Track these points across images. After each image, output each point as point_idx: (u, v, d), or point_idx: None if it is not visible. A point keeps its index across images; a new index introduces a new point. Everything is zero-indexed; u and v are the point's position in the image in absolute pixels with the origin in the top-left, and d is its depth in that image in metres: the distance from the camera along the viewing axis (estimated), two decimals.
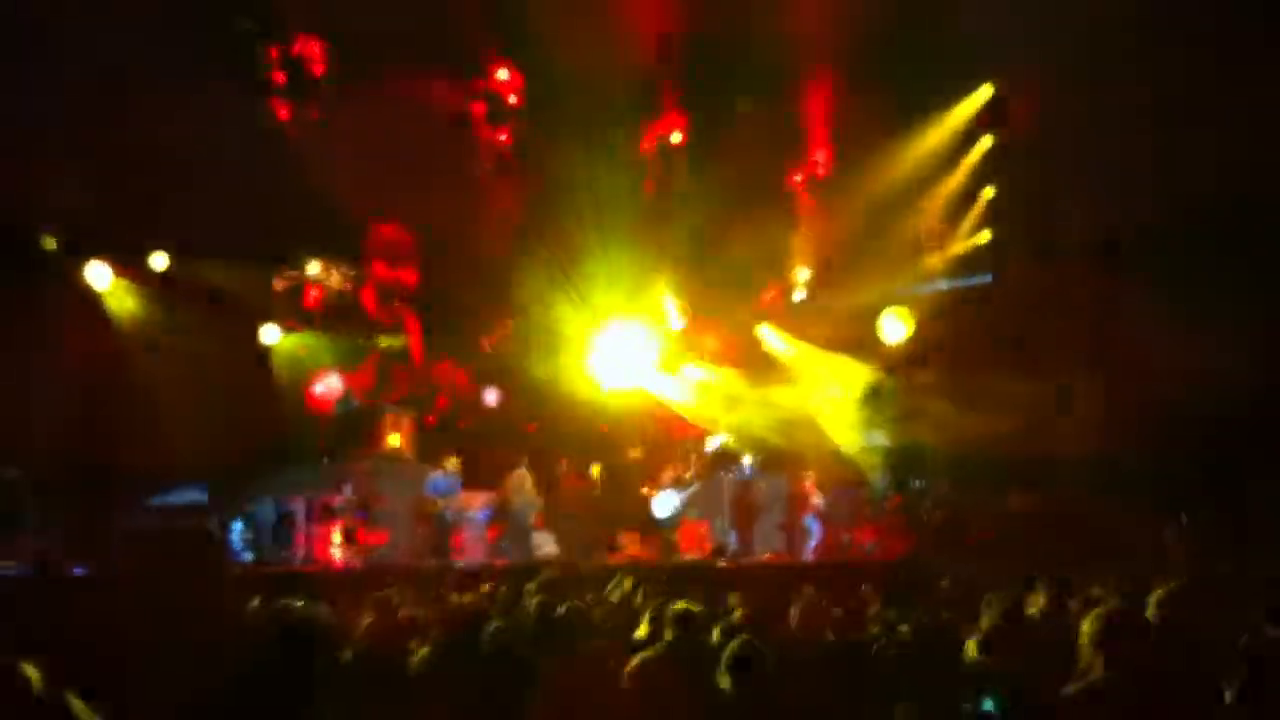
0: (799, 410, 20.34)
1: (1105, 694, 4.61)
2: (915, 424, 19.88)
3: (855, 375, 20.38)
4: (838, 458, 19.59)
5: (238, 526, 17.06)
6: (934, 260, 21.14)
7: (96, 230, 16.97)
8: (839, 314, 20.65)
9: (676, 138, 19.95)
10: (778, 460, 19.79)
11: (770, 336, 21.26)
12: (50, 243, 17.16)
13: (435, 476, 17.42)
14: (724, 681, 5.43)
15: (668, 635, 6.42)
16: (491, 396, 20.61)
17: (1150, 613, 5.78)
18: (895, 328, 20.26)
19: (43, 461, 15.91)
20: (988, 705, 5.08)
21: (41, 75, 15.72)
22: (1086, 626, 4.92)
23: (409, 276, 20.07)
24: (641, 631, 7.40)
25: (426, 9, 17.02)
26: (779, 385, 20.73)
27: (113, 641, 6.99)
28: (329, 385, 19.01)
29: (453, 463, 17.67)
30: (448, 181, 19.31)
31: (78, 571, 14.83)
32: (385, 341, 19.92)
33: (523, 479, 18.03)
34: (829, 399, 20.47)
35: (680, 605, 6.67)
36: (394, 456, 18.44)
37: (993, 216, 20.73)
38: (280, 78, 17.95)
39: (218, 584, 13.31)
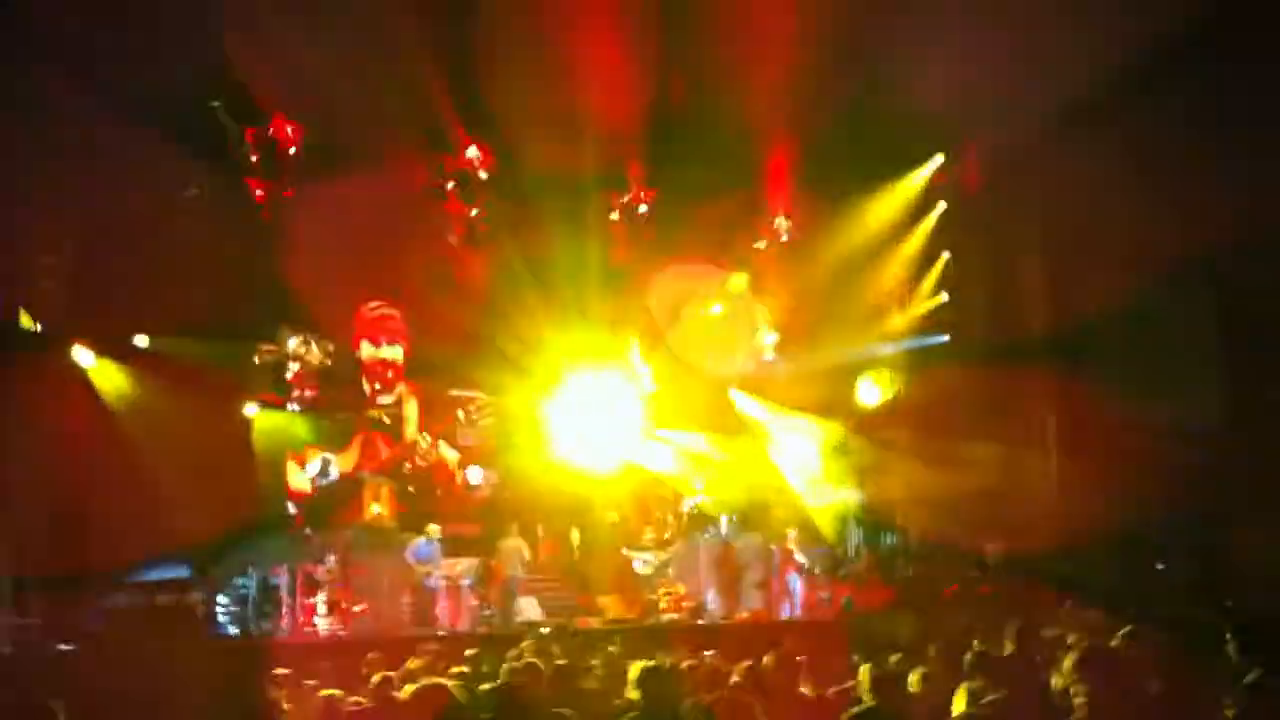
0: (772, 470, 20.76)
1: None
2: (884, 480, 20.35)
3: (824, 434, 20.80)
4: (812, 516, 19.94)
5: (222, 600, 17.10)
6: (895, 321, 21.73)
7: (78, 311, 17.10)
8: (806, 375, 21.11)
9: (643, 209, 20.40)
10: (754, 520, 20.14)
11: (740, 398, 21.67)
12: (29, 322, 17.27)
13: (418, 543, 17.60)
14: None
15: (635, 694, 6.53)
16: (475, 474, 20.87)
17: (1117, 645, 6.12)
18: (872, 390, 20.82)
19: (23, 540, 15.93)
20: None
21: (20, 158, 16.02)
22: (1067, 663, 5.26)
23: (400, 352, 20.43)
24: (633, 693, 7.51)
25: (397, 90, 17.50)
26: (751, 446, 21.14)
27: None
28: (306, 473, 19.21)
29: (434, 530, 17.87)
30: (420, 256, 19.75)
31: (61, 648, 14.85)
32: (374, 413, 20.09)
33: (516, 547, 18.26)
34: (799, 459, 20.86)
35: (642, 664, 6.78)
36: (376, 525, 18.57)
37: (950, 279, 21.33)
38: (255, 158, 18.27)
39: (201, 656, 13.53)
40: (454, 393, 21.15)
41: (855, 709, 6.17)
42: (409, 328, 20.51)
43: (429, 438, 20.49)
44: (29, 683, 11.46)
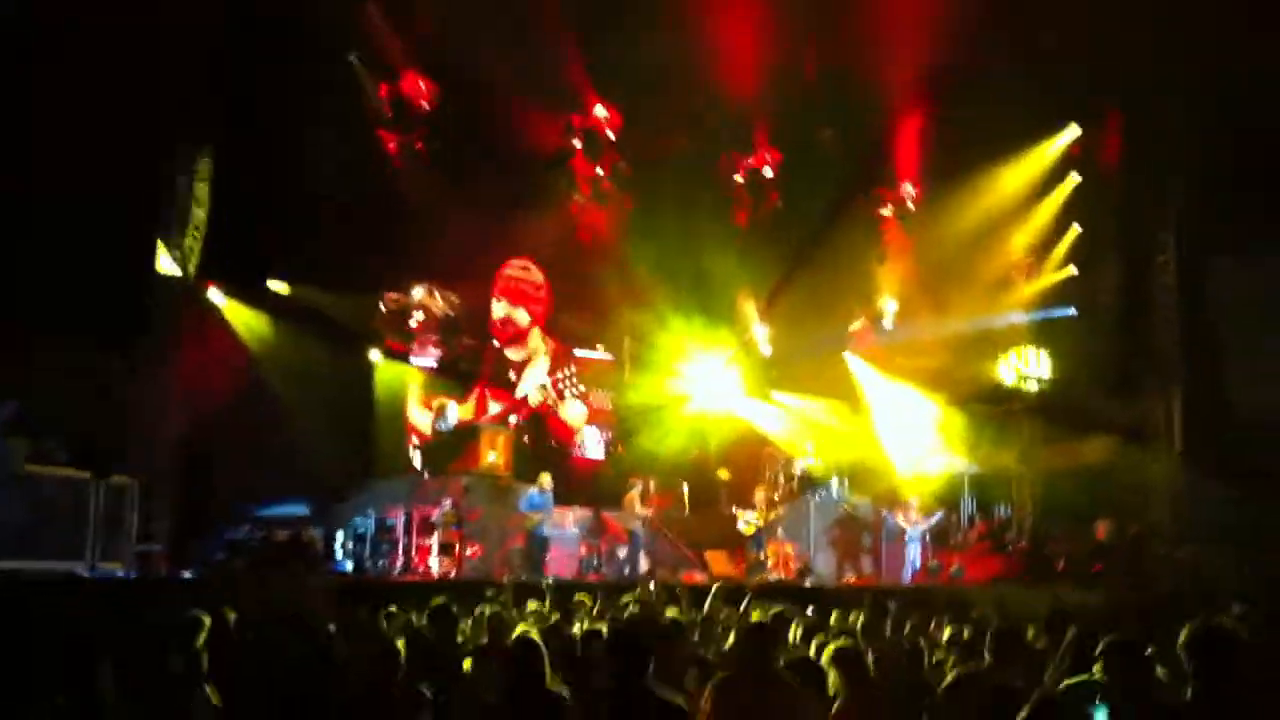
0: (885, 437, 20.65)
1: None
2: (1001, 451, 20.08)
3: (941, 404, 20.59)
4: (925, 484, 19.76)
5: (339, 537, 17.59)
6: (1021, 293, 21.37)
7: (215, 254, 17.64)
8: (926, 345, 20.90)
9: (768, 171, 20.38)
10: (866, 485, 20.06)
11: (857, 365, 21.55)
12: (171, 263, 17.86)
13: (530, 493, 17.88)
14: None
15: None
16: (593, 433, 21.26)
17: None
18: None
19: (153, 470, 16.52)
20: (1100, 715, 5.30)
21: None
22: (1184, 638, 5.14)
23: (525, 317, 20.89)
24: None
25: (528, 48, 17.72)
26: (866, 413, 21.04)
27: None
28: (427, 413, 19.70)
29: (545, 480, 18.12)
30: (549, 214, 20.04)
31: (184, 575, 15.39)
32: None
33: (636, 500, 18.50)
34: (914, 426, 20.68)
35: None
36: (490, 473, 18.88)
37: (1080, 253, 20.89)
38: (389, 112, 18.65)
39: (317, 592, 13.90)
40: (580, 353, 21.41)
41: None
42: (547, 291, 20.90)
43: (554, 393, 20.85)
44: (149, 608, 11.79)
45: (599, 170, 20.09)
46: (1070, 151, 20.70)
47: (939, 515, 18.18)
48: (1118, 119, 20.11)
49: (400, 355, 19.95)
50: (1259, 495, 16.44)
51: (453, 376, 20.41)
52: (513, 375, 21.28)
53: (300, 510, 17.90)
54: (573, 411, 21.50)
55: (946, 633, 8.44)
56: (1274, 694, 4.95)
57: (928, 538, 18.08)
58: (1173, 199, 20.08)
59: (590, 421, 21.79)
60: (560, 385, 21.75)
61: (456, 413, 19.70)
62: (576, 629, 8.28)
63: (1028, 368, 20.55)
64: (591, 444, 21.67)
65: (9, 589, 11.32)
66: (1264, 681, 4.95)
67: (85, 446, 15.36)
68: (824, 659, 5.84)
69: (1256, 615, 7.56)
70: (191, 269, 17.27)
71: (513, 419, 20.64)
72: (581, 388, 21.99)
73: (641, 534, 18.12)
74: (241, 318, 18.33)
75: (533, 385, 21.29)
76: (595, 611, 9.79)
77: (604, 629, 6.80)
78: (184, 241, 17.19)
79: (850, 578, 18.13)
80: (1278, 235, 17.60)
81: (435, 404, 19.68)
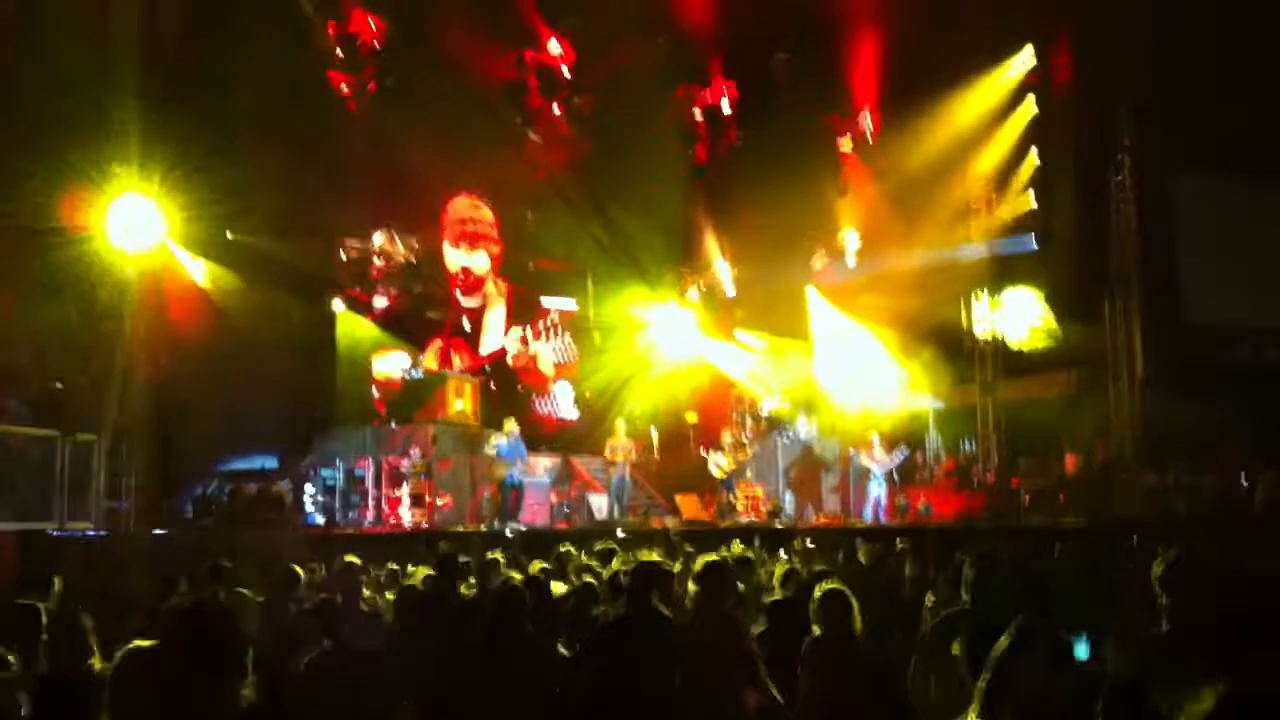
0: (851, 375, 20.71)
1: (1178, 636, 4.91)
2: (965, 387, 20.21)
3: (906, 340, 20.62)
4: (892, 421, 19.85)
5: (309, 489, 17.52)
6: (980, 225, 21.35)
7: (173, 209, 17.23)
8: (889, 281, 20.85)
9: (726, 107, 20.13)
10: (832, 424, 20.15)
11: (819, 303, 21.54)
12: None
13: (500, 441, 17.78)
14: None
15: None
16: (564, 386, 21.20)
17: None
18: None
19: (119, 427, 16.32)
20: (1080, 648, 5.39)
21: None
22: (1156, 570, 5.23)
23: (484, 260, 20.57)
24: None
25: None
26: (831, 350, 21.08)
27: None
28: (394, 362, 19.51)
29: (511, 425, 17.97)
30: (503, 151, 19.70)
31: (156, 533, 15.31)
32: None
33: (625, 446, 18.42)
34: (880, 364, 20.75)
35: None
36: (459, 421, 18.80)
37: (1040, 181, 20.84)
38: (338, 52, 18.21)
39: (291, 544, 13.86)
40: (545, 300, 21.23)
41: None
42: (498, 229, 20.57)
43: (521, 342, 20.70)
44: (121, 565, 11.79)
45: (554, 107, 19.77)
46: (1027, 77, 20.52)
47: (904, 452, 18.32)
48: (1069, 41, 19.93)
49: (363, 304, 19.72)
50: (1223, 416, 16.59)
51: (416, 326, 20.21)
52: (467, 324, 20.90)
53: (268, 463, 17.83)
54: (548, 363, 21.34)
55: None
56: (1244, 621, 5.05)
57: (894, 475, 18.21)
58: (1127, 121, 20.00)
59: (559, 376, 21.67)
60: (541, 335, 21.52)
61: (422, 362, 19.57)
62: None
63: (994, 313, 20.48)
64: (563, 399, 21.55)
65: None
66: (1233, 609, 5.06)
67: (50, 405, 15.22)
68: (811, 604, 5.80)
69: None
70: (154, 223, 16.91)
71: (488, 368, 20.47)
72: (567, 339, 21.75)
73: (621, 474, 18.08)
74: (204, 272, 18.04)
75: (509, 339, 21.01)
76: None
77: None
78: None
79: (818, 518, 18.24)
80: (1235, 154, 17.57)
81: (402, 352, 19.54)
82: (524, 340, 21.16)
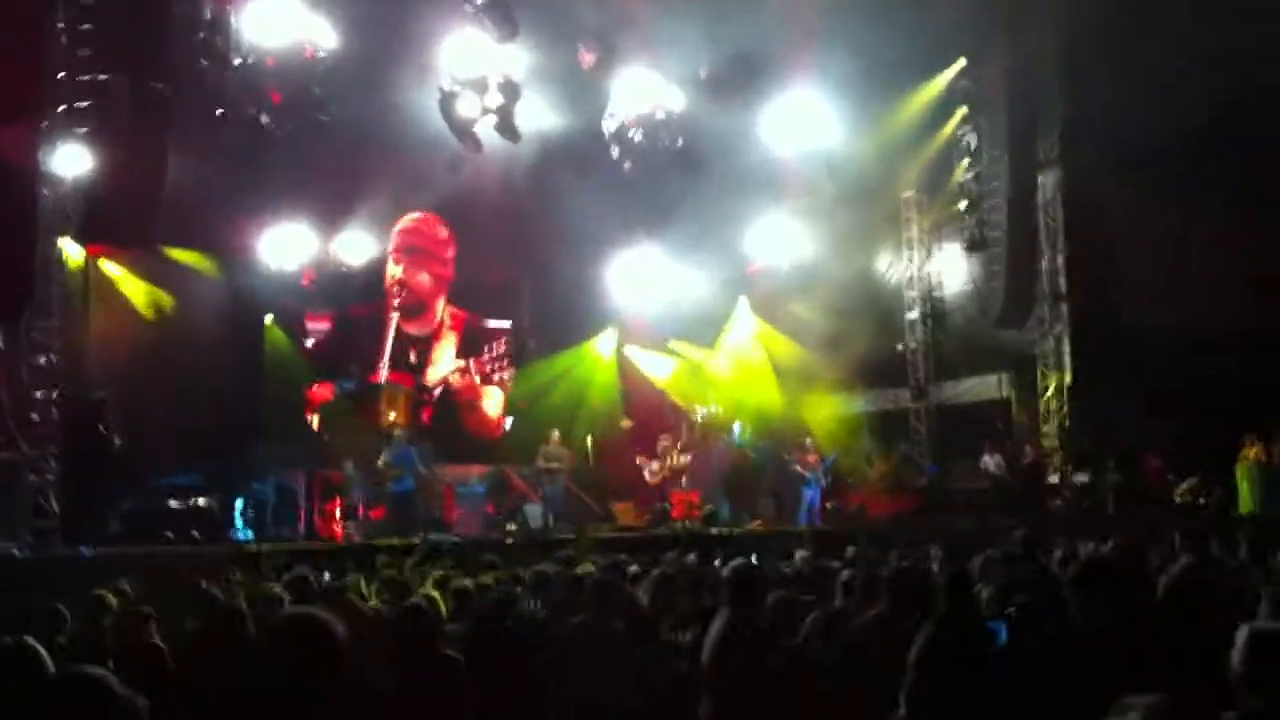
0: (783, 380, 20.81)
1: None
2: (896, 390, 20.39)
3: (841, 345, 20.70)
4: (822, 425, 19.96)
5: (239, 505, 17.26)
6: (913, 231, 21.55)
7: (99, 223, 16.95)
8: (824, 284, 20.92)
9: None
10: (765, 429, 20.22)
11: (746, 316, 21.63)
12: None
13: (393, 448, 17.52)
14: None
15: None
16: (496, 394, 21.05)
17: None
18: None
19: (41, 443, 16.04)
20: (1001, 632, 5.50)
21: None
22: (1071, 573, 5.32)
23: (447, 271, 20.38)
24: None
25: None
26: (763, 356, 21.17)
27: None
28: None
29: (398, 431, 17.86)
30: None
31: (82, 552, 15.01)
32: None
33: (562, 455, 18.44)
34: (812, 368, 20.81)
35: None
36: (391, 432, 18.60)
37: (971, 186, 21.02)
38: None
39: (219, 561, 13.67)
40: (491, 323, 21.07)
41: None
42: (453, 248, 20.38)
43: (475, 378, 20.52)
44: (47, 585, 11.55)
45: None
46: (957, 84, 20.74)
47: (832, 458, 18.45)
48: (998, 49, 20.15)
49: (294, 317, 19.35)
50: (1149, 417, 16.80)
51: (348, 349, 19.77)
52: (413, 356, 20.47)
53: (194, 479, 17.52)
54: (494, 401, 21.01)
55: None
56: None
57: (825, 480, 18.30)
58: (1054, 125, 20.24)
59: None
60: (485, 368, 21.08)
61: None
62: None
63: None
64: (494, 406, 21.35)
65: None
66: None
67: None
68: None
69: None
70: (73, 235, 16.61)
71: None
72: (508, 373, 21.31)
73: (557, 484, 18.02)
74: (128, 285, 17.76)
75: (446, 370, 20.62)
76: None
77: None
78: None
79: (755, 524, 18.27)
80: (1163, 155, 17.67)
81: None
82: (466, 372, 20.84)
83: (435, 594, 7.44)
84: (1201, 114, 15.76)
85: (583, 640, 6.04)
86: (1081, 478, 17.44)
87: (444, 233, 20.52)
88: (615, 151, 18.84)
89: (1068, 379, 19.31)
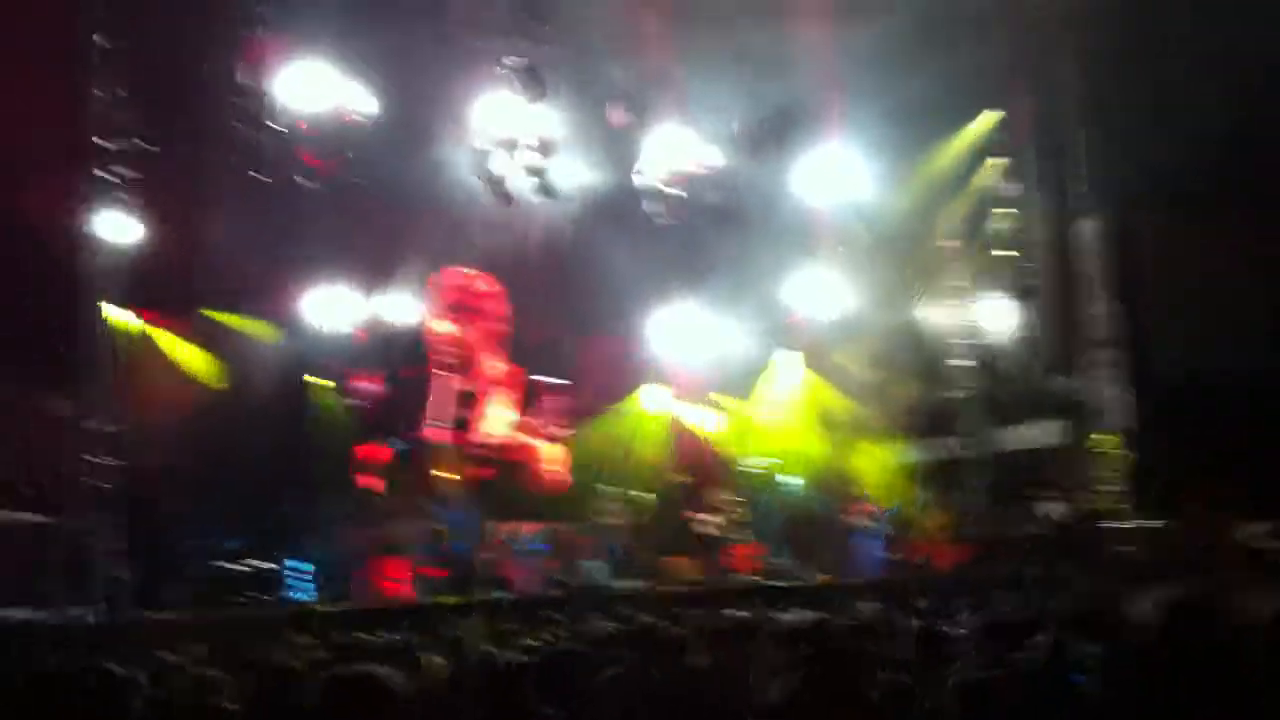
0: (836, 431, 20.80)
1: None
2: (947, 439, 20.37)
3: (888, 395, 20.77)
4: (873, 476, 19.94)
5: (296, 566, 17.12)
6: (952, 280, 21.63)
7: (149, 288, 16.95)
8: (868, 335, 21.02)
9: None
10: (823, 481, 20.17)
11: (795, 362, 21.65)
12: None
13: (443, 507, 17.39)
14: None
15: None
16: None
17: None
18: None
19: (102, 511, 15.91)
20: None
21: None
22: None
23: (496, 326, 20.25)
24: None
25: None
26: (814, 408, 21.16)
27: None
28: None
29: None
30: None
31: (150, 616, 14.93)
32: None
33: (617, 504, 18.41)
34: (863, 419, 20.84)
35: None
36: (448, 491, 18.51)
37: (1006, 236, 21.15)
38: None
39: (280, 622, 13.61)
40: (546, 379, 20.83)
41: None
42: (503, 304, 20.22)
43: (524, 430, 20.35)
44: (119, 650, 11.41)
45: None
46: (989, 133, 20.92)
47: (894, 508, 18.41)
48: (1026, 97, 20.37)
49: (342, 378, 19.24)
50: (1202, 464, 16.79)
51: (398, 409, 19.62)
52: (465, 413, 20.10)
53: (250, 540, 17.44)
54: (551, 457, 20.54)
55: None
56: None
57: (887, 531, 18.27)
58: (1083, 168, 20.37)
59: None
60: (542, 425, 20.65)
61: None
62: None
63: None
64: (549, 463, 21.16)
65: None
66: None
67: (34, 491, 14.95)
68: None
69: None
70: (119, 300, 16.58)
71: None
72: (564, 430, 20.82)
73: (617, 539, 17.87)
74: (179, 350, 17.72)
75: (500, 427, 20.27)
76: None
77: None
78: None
79: (820, 576, 18.19)
80: (1203, 196, 17.66)
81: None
82: (523, 429, 20.45)
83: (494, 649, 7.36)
84: (1224, 135, 15.84)
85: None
86: (1150, 523, 17.40)
87: (491, 288, 20.30)
88: (646, 206, 18.92)
89: (1124, 424, 19.30)
